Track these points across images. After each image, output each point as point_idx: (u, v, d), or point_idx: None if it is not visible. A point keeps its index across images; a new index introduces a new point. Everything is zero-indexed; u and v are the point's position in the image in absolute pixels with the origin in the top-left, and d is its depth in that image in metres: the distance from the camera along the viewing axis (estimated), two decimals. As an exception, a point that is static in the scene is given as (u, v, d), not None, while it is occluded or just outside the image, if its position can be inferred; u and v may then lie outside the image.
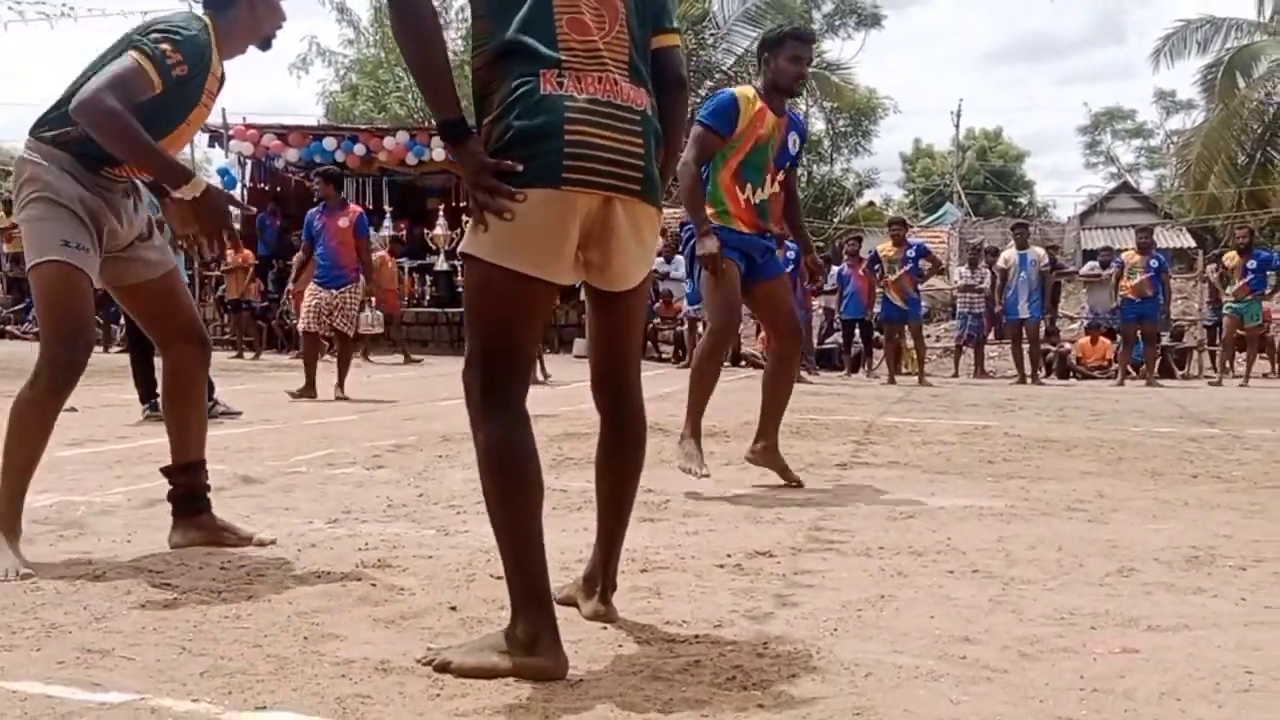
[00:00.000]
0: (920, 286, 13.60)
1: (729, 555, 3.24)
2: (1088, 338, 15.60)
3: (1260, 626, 2.54)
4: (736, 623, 2.56)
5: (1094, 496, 4.43)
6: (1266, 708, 2.00)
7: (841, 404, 9.28)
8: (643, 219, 2.33)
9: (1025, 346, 13.14)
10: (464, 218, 18.16)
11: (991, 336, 15.28)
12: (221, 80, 3.30)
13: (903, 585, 2.93)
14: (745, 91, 4.70)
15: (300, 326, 9.27)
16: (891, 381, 12.50)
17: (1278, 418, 8.41)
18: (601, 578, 2.59)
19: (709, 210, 4.63)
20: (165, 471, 3.43)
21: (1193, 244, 26.44)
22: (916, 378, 12.69)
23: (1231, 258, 13.66)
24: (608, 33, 2.30)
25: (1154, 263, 12.92)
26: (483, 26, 2.28)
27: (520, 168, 2.18)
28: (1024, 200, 46.06)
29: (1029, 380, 12.86)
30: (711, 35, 27.91)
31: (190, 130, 3.31)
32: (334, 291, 8.93)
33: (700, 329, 15.18)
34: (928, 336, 16.20)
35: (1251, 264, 13.15)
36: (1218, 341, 15.17)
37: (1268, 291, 13.59)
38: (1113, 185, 36.29)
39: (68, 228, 3.06)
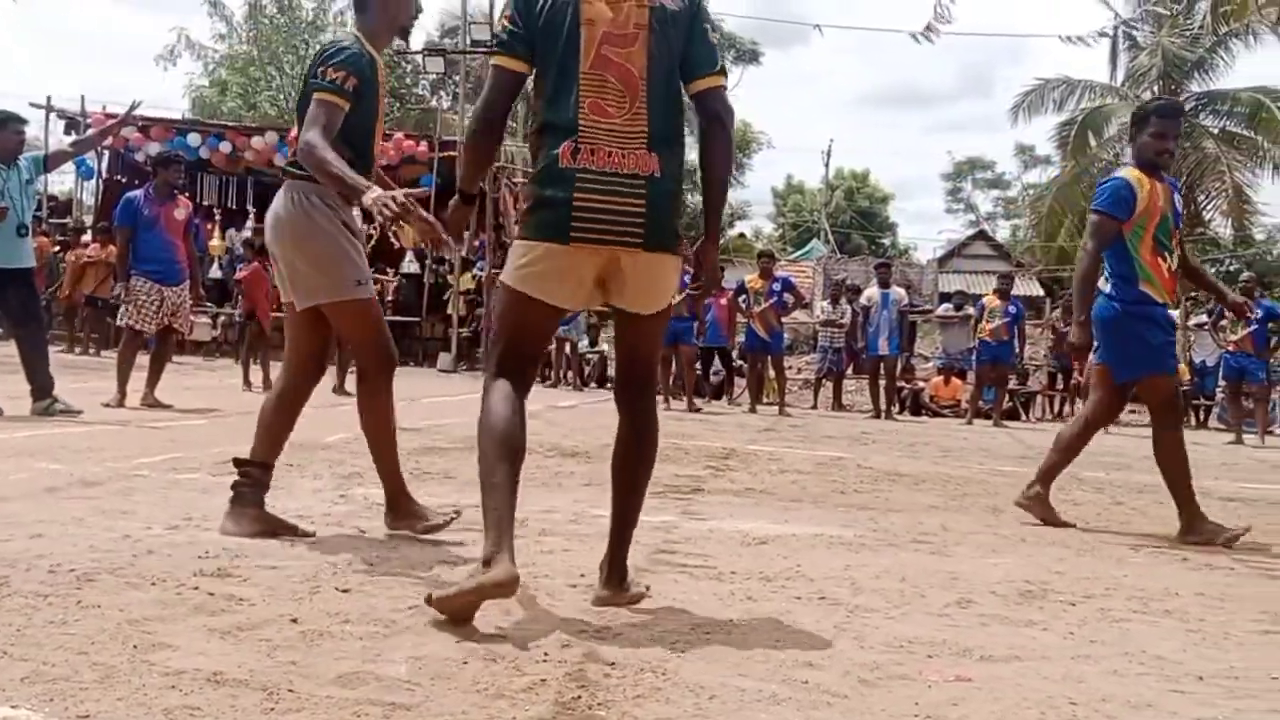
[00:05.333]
0: (784, 319, 13.88)
1: (582, 575, 3.23)
2: (941, 377, 16.13)
3: (1085, 660, 2.65)
4: (584, 642, 2.54)
5: (938, 530, 4.57)
6: (1087, 737, 2.08)
7: (704, 430, 9.38)
8: (650, 264, 2.84)
9: (882, 382, 13.52)
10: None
11: (851, 371, 15.69)
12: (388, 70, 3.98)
13: (751, 609, 2.97)
14: (1132, 173, 4.82)
15: (131, 324, 8.27)
16: (753, 410, 12.71)
17: (1113, 461, 8.81)
18: (609, 565, 2.97)
19: (1142, 286, 4.78)
20: (238, 462, 3.78)
21: (1042, 293, 27.64)
22: (777, 408, 12.93)
23: None
24: (627, 111, 2.81)
25: (1012, 309, 13.45)
26: (535, 106, 2.91)
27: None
28: (887, 241, 47.50)
29: (884, 415, 13.23)
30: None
31: (381, 122, 3.85)
32: (174, 289, 8.26)
33: (568, 349, 15.32)
34: (789, 368, 16.54)
35: None
36: (1057, 387, 15.90)
37: None
38: (971, 232, 37.80)
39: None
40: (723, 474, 6.12)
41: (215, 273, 18.38)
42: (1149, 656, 2.71)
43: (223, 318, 17.21)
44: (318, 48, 3.85)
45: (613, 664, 2.37)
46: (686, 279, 3.34)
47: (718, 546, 3.87)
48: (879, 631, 2.80)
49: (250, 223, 18.15)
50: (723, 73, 2.96)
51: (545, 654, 2.43)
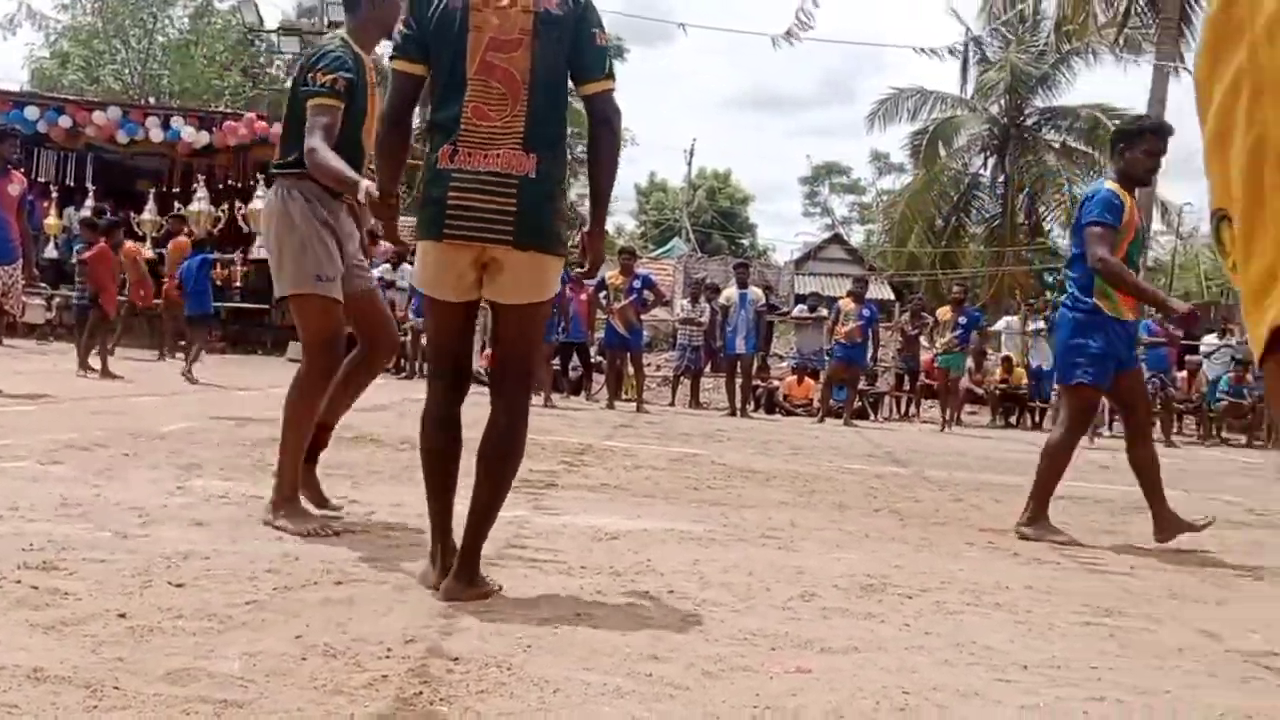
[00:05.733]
0: (644, 316, 13.97)
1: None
2: (795, 376, 16.48)
3: (919, 651, 2.74)
4: (429, 638, 2.51)
5: (787, 525, 4.67)
6: (918, 725, 2.16)
7: (560, 425, 9.37)
8: (521, 262, 2.95)
9: (739, 380, 13.73)
10: (175, 204, 17.19)
11: (709, 369, 15.89)
12: (375, 69, 4.03)
13: (600, 604, 2.97)
14: (1115, 186, 4.87)
15: None
16: (611, 406, 12.76)
17: (955, 460, 9.16)
18: (461, 558, 2.96)
19: (1097, 299, 4.82)
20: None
21: (893, 297, 28.54)
22: (635, 404, 13.00)
23: (944, 312, 14.82)
24: (507, 113, 2.94)
25: (866, 312, 13.82)
26: (430, 108, 3.06)
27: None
28: (747, 242, 48.32)
29: (739, 413, 13.44)
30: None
31: (373, 119, 3.84)
32: (5, 268, 7.83)
33: (424, 341, 15.06)
34: (648, 365, 16.65)
35: (962, 319, 14.33)
36: (904, 388, 16.43)
37: (970, 346, 14.81)
38: (826, 235, 38.68)
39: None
40: (577, 469, 6.12)
41: (51, 252, 17.47)
42: (979, 647, 2.82)
43: (58, 299, 16.37)
44: (304, 56, 4.02)
45: (457, 659, 2.35)
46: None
47: (569, 541, 3.87)
48: (724, 625, 2.84)
49: (90, 201, 17.31)
50: (610, 77, 3.06)
51: (388, 650, 2.39)
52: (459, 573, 2.94)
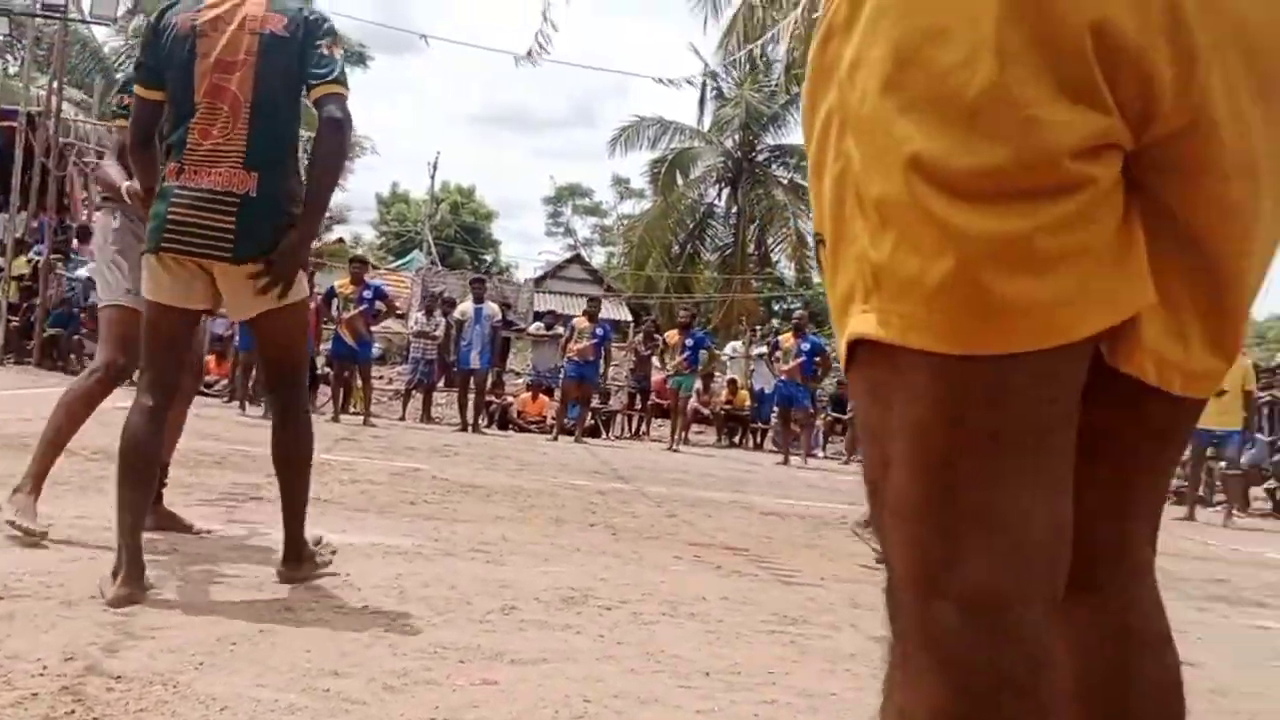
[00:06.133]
0: (376, 328, 13.66)
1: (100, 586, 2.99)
2: (529, 393, 16.56)
3: (608, 660, 2.80)
4: (91, 655, 2.35)
5: (499, 539, 4.66)
6: (593, 732, 2.20)
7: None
8: (242, 274, 3.11)
9: (471, 396, 13.65)
10: None
11: (442, 384, 15.71)
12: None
13: (287, 619, 2.87)
14: None
15: None
16: (335, 419, 12.37)
17: (677, 478, 9.44)
18: (284, 543, 3.34)
19: None
20: None
21: (630, 318, 29.19)
22: (362, 417, 12.67)
23: (672, 335, 15.24)
24: (229, 131, 3.08)
25: (599, 331, 14.05)
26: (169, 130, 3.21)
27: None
28: (490, 257, 48.17)
29: (470, 428, 13.35)
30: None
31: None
32: None
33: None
34: (380, 378, 16.31)
35: (689, 342, 14.78)
36: (636, 406, 16.83)
37: (699, 368, 15.32)
38: (568, 255, 39.10)
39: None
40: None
41: None
42: (667, 656, 2.91)
43: None
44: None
45: (119, 677, 2.21)
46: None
47: (263, 556, 3.71)
48: (416, 638, 2.81)
49: None
50: (338, 82, 3.15)
51: (44, 667, 2.23)
52: (287, 558, 3.33)
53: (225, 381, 14.00)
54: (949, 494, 0.86)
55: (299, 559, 3.34)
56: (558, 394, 14.88)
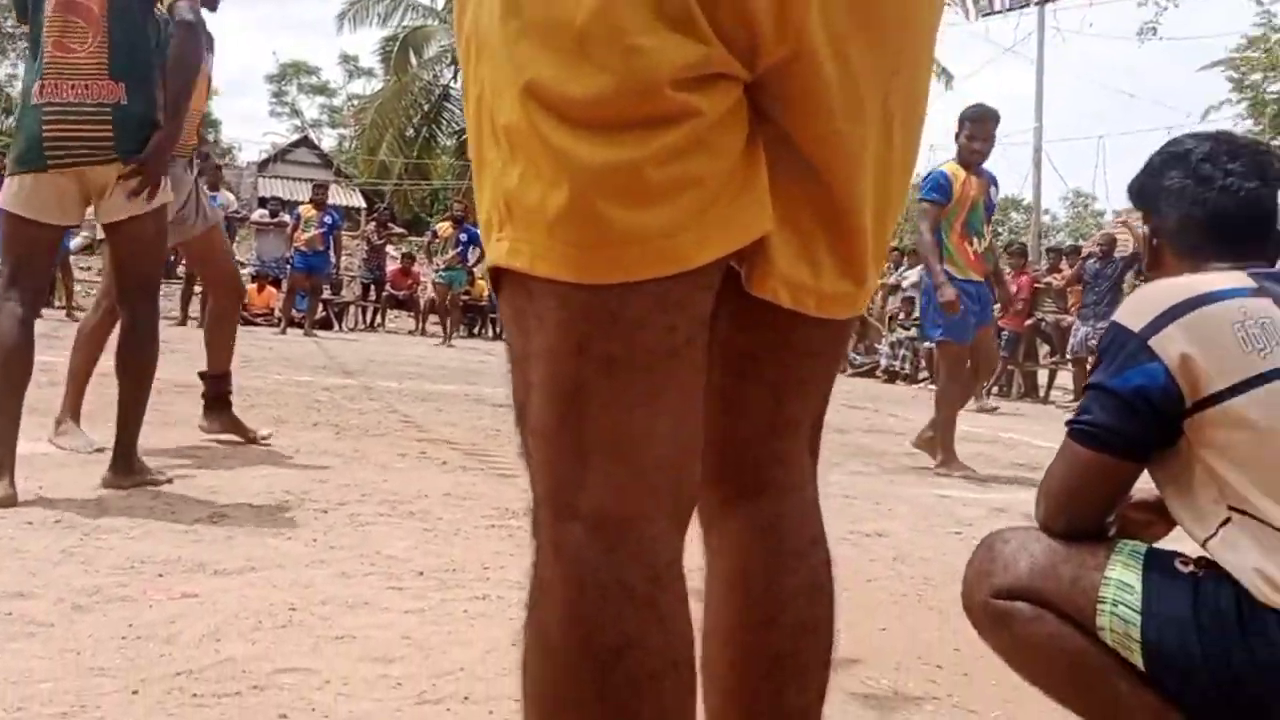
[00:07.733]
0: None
1: None
2: (255, 285, 15.82)
3: (319, 565, 2.78)
4: None
5: (210, 442, 4.50)
6: (296, 640, 2.19)
7: None
8: (112, 176, 3.31)
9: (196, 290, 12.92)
10: None
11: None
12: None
13: (-34, 541, 2.69)
14: (950, 166, 5.57)
15: None
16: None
17: (410, 371, 9.34)
18: (114, 450, 3.48)
19: (946, 264, 5.49)
20: (201, 376, 4.73)
21: (364, 204, 28.24)
22: (65, 311, 11.79)
23: (445, 228, 14.86)
24: (89, 44, 3.25)
25: (328, 219, 13.55)
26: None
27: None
28: (211, 138, 45.09)
29: (186, 323, 12.68)
30: None
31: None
32: None
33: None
34: (88, 269, 15.16)
35: (463, 236, 14.44)
36: (370, 298, 16.45)
37: (471, 263, 14.99)
38: (295, 138, 37.25)
39: None
40: None
41: None
42: (381, 557, 2.92)
43: None
44: None
45: None
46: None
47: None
48: (113, 553, 2.70)
49: None
50: None
51: None
52: (115, 465, 3.44)
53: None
54: (576, 419, 0.90)
55: (129, 469, 3.44)
56: (285, 285, 14.31)
